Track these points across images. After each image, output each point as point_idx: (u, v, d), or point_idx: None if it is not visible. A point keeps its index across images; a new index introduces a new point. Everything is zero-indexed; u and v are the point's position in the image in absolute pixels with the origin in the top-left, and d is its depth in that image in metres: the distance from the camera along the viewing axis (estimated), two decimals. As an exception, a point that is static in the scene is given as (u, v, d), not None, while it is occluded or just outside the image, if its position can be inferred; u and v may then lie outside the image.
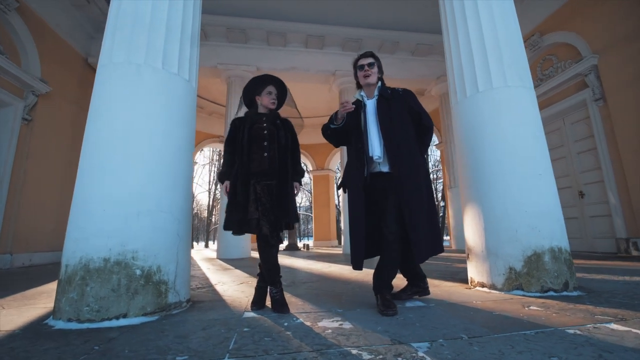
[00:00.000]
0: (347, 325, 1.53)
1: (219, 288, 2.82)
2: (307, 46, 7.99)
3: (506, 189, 2.35)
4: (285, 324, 1.59)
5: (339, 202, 19.21)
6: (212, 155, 25.92)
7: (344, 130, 2.09)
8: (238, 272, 4.11)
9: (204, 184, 26.55)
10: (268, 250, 1.90)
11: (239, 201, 1.89)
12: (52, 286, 3.00)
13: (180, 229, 2.04)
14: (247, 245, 6.96)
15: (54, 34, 5.94)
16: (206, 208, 27.08)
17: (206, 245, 24.98)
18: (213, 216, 27.07)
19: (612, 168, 5.18)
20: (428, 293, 2.17)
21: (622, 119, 5.00)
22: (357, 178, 1.98)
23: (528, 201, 2.30)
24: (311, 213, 17.47)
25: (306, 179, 20.99)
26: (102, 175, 1.84)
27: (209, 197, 26.09)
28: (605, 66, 5.23)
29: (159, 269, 1.85)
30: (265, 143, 1.98)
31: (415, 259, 1.87)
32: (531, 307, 1.81)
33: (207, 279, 3.48)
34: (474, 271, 2.54)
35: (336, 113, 2.06)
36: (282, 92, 2.23)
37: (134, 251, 1.79)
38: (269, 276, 1.91)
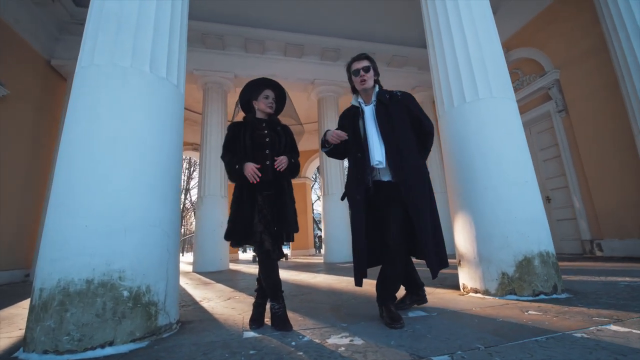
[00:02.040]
0: (358, 341, 1.47)
1: (205, 305, 2.65)
2: (286, 54, 7.97)
3: (496, 196, 2.42)
4: (293, 343, 1.50)
5: (313, 210, 19.11)
6: (183, 164, 24.97)
7: (338, 148, 2.05)
8: (220, 286, 3.91)
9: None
10: (269, 265, 1.80)
11: (244, 211, 1.79)
12: (13, 311, 2.67)
13: (169, 244, 1.90)
14: (225, 257, 6.69)
15: (12, 33, 5.46)
16: (176, 218, 25.88)
17: (176, 258, 23.72)
18: (183, 227, 25.94)
19: (575, 174, 5.57)
20: (426, 301, 2.16)
21: (582, 129, 5.41)
22: (358, 189, 1.91)
23: (517, 208, 2.39)
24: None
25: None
26: (83, 187, 1.67)
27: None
28: (566, 80, 5.67)
29: (148, 288, 1.70)
30: (267, 151, 1.91)
31: (432, 273, 1.82)
32: (530, 312, 1.85)
33: (189, 295, 3.27)
34: (467, 277, 2.58)
35: (325, 135, 2.01)
36: (280, 96, 2.16)
37: (120, 270, 1.63)
38: (270, 291, 1.82)
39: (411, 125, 1.99)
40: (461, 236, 2.63)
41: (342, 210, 7.42)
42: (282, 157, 1.91)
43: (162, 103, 2.02)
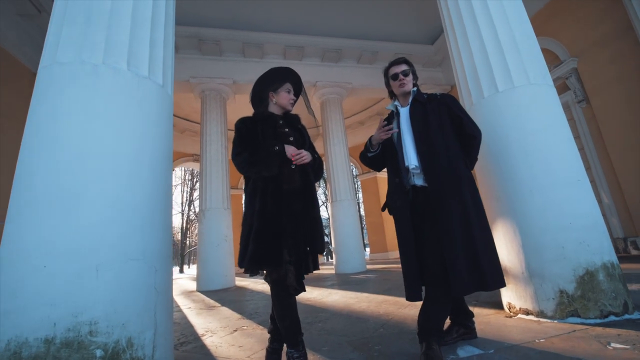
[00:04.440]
0: (409, 409, 1.09)
1: (208, 341, 2.27)
2: (286, 57, 7.67)
3: (546, 199, 2.04)
4: (322, 414, 1.12)
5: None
6: (185, 175, 24.76)
7: (382, 154, 1.88)
8: (226, 311, 3.53)
9: (177, 206, 25.18)
10: (287, 300, 1.43)
11: (272, 230, 1.42)
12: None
13: (158, 280, 1.53)
14: (231, 273, 6.30)
15: (-4, 48, 5.19)
16: (179, 230, 25.68)
17: (181, 270, 23.50)
18: (188, 239, 25.65)
19: (601, 168, 5.18)
20: (475, 336, 1.77)
21: (607, 119, 5.03)
22: (398, 195, 1.69)
23: (572, 212, 2.01)
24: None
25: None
26: (42, 216, 1.31)
27: (182, 219, 24.76)
28: (585, 69, 5.30)
29: (130, 342, 1.33)
30: None
31: (451, 289, 1.47)
32: (615, 345, 1.46)
33: (190, 325, 2.89)
34: (513, 295, 2.19)
35: (370, 139, 1.87)
36: (297, 93, 1.84)
37: (91, 322, 1.26)
38: (287, 335, 1.44)
39: (452, 126, 1.75)
40: (503, 247, 2.24)
41: (352, 217, 7.05)
42: (301, 151, 1.58)
43: (144, 107, 1.67)
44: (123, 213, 1.44)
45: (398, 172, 1.72)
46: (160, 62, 1.83)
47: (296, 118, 1.79)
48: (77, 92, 1.51)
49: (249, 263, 1.38)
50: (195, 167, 12.47)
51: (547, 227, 2.03)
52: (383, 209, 1.83)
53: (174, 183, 24.36)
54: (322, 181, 20.69)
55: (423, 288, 1.59)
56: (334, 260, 7.06)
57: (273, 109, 1.74)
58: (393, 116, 1.88)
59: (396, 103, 1.91)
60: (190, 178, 24.87)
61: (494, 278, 1.50)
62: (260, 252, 1.38)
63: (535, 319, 2.01)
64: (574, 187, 2.07)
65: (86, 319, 1.25)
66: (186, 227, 24.90)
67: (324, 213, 20.75)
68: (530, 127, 2.19)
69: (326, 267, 9.65)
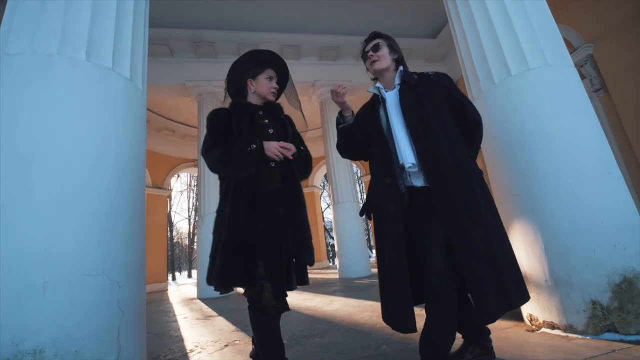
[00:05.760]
0: None
1: (195, 359, 2.06)
2: (283, 57, 7.44)
3: (572, 196, 1.79)
4: None
5: (323, 219, 18.47)
6: (191, 181, 24.80)
7: (355, 131, 1.58)
8: (222, 321, 3.32)
9: (183, 212, 25.31)
10: (268, 324, 1.22)
11: (245, 241, 1.21)
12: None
13: (122, 297, 1.32)
14: (233, 279, 6.11)
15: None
16: (187, 236, 25.74)
17: (189, 275, 23.57)
18: (195, 244, 25.69)
19: (623, 161, 4.84)
20: (493, 357, 1.51)
21: (628, 108, 4.71)
22: (391, 197, 1.36)
23: (602, 209, 1.75)
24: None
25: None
26: (-22, 228, 1.12)
27: (189, 225, 24.79)
28: (601, 55, 4.99)
29: (84, 374, 1.12)
30: None
31: (476, 315, 1.23)
32: (668, 372, 1.21)
33: (180, 339, 2.69)
34: (535, 306, 1.93)
35: (340, 112, 1.63)
36: (281, 81, 1.63)
37: (36, 351, 1.07)
38: (268, 361, 1.22)
39: (450, 111, 1.47)
40: (522, 252, 1.99)
41: (355, 219, 6.81)
42: (285, 143, 1.37)
43: (107, 101, 1.48)
44: (78, 220, 1.25)
45: (390, 171, 1.40)
46: (127, 53, 1.64)
47: (278, 107, 1.57)
48: (27, 85, 1.33)
49: (216, 280, 1.18)
50: (196, 172, 12.36)
51: (575, 227, 1.77)
52: (362, 214, 1.53)
53: (179, 189, 24.43)
54: (324, 183, 20.43)
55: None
56: (337, 264, 6.82)
57: (252, 99, 1.53)
58: (379, 101, 1.57)
59: (379, 85, 1.59)
60: (196, 184, 24.91)
61: (518, 291, 1.25)
62: (229, 267, 1.17)
63: (563, 334, 1.75)
64: (605, 181, 1.80)
65: (29, 347, 1.05)
66: (193, 232, 24.96)
67: (328, 215, 20.47)
68: (550, 113, 1.94)
69: (331, 272, 9.42)
